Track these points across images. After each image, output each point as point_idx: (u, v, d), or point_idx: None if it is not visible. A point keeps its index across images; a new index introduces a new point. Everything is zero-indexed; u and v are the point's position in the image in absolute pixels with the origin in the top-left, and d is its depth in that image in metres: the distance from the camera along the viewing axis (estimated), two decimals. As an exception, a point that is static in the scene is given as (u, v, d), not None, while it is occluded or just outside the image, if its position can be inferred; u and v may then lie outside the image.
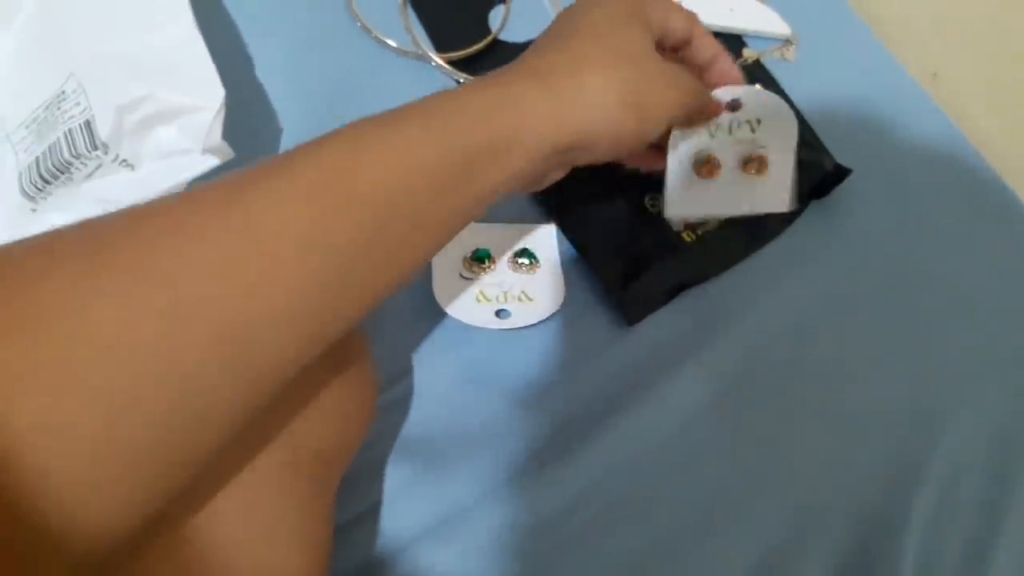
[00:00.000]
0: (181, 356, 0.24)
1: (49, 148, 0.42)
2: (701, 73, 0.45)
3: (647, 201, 0.53)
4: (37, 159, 0.43)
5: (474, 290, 0.49)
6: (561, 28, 0.40)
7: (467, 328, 0.47)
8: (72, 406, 0.23)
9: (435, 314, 0.48)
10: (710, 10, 0.59)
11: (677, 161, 0.47)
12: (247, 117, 0.44)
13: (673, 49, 0.44)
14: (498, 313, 0.48)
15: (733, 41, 0.60)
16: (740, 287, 0.52)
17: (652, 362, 0.49)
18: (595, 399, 0.48)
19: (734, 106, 0.46)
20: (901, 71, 0.63)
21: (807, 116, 0.58)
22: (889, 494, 0.48)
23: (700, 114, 0.44)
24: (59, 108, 0.43)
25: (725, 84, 0.45)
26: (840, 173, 0.54)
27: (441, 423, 0.46)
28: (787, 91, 0.58)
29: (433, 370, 0.47)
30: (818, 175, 0.54)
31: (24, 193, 0.43)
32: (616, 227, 0.52)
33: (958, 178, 0.59)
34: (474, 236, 0.49)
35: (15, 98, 0.45)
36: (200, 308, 0.25)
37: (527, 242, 0.50)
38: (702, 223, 0.52)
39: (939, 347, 0.53)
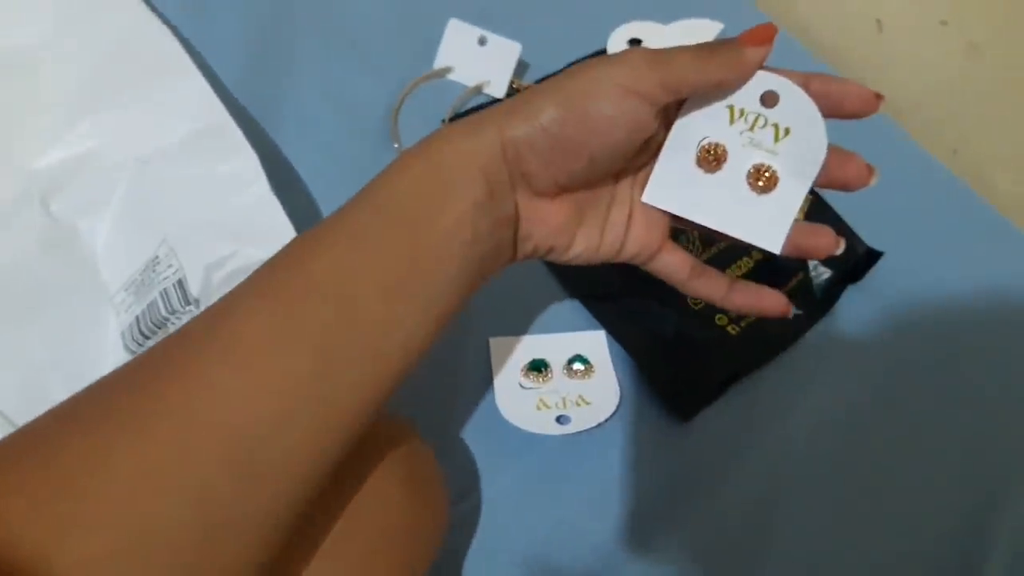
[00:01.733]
0: (193, 476, 0.27)
1: (148, 307, 0.48)
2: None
3: (690, 299, 0.56)
4: (137, 318, 0.48)
5: (534, 399, 0.51)
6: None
7: (530, 436, 0.50)
8: (108, 538, 0.26)
9: (500, 425, 0.50)
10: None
11: (681, 140, 0.39)
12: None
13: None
14: (559, 419, 0.51)
15: (755, 143, 0.64)
16: (788, 374, 0.54)
17: (709, 456, 0.51)
18: (658, 496, 0.50)
19: (768, 100, 0.38)
20: (921, 151, 0.66)
21: (834, 204, 0.61)
22: None
23: (704, 63, 0.34)
24: (154, 271, 0.49)
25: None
26: (872, 256, 0.56)
27: (511, 532, 0.48)
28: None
29: (500, 480, 0.49)
30: (851, 260, 0.57)
31: (127, 348, 0.48)
32: (663, 327, 0.55)
33: (988, 249, 0.61)
34: (529, 349, 0.53)
35: (115, 266, 0.51)
36: (202, 431, 0.28)
37: (580, 349, 0.53)
38: (740, 316, 0.54)
39: (989, 422, 0.54)
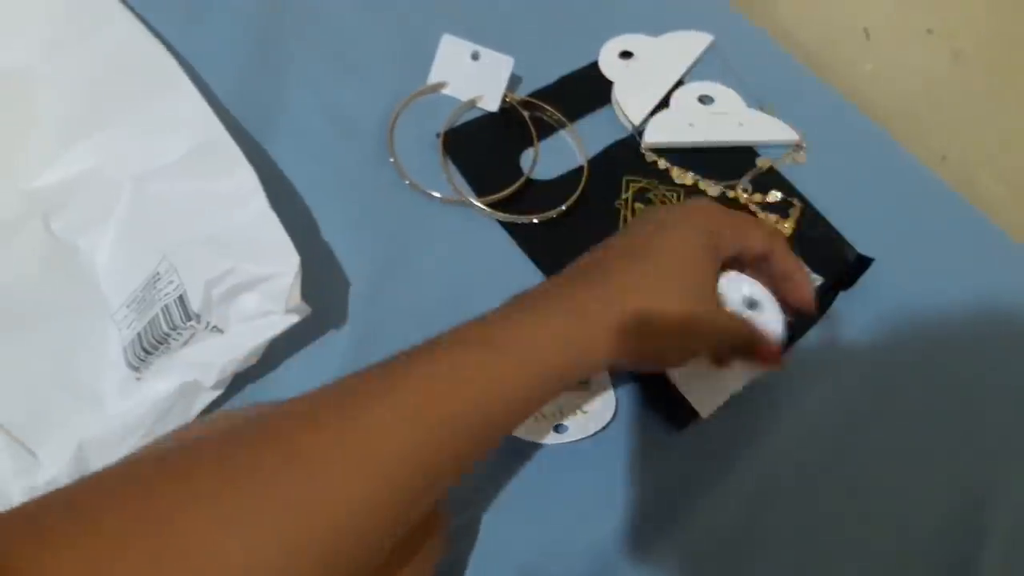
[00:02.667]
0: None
1: (149, 323, 0.48)
2: (777, 284, 0.47)
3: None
4: (139, 334, 0.49)
5: None
6: (636, 244, 0.43)
7: (528, 445, 0.51)
8: None
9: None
10: (721, 127, 0.65)
11: None
12: (318, 275, 0.49)
13: (752, 262, 0.46)
14: (556, 428, 0.51)
15: (746, 153, 0.65)
16: (782, 381, 0.55)
17: (705, 463, 0.52)
18: (655, 504, 0.50)
19: (751, 304, 0.48)
20: (910, 158, 0.67)
21: (824, 212, 0.62)
22: None
23: (745, 346, 0.46)
24: (155, 287, 0.49)
25: (793, 300, 0.47)
26: (863, 263, 0.57)
27: (511, 543, 0.48)
28: (802, 192, 0.62)
29: (500, 491, 0.50)
30: (842, 267, 0.57)
31: (129, 364, 0.49)
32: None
33: (977, 253, 0.61)
34: None
35: (116, 283, 0.51)
36: (316, 533, 0.28)
37: None
38: None
39: (981, 426, 0.54)
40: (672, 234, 0.42)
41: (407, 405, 0.32)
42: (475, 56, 0.64)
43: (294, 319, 0.47)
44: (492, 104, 0.64)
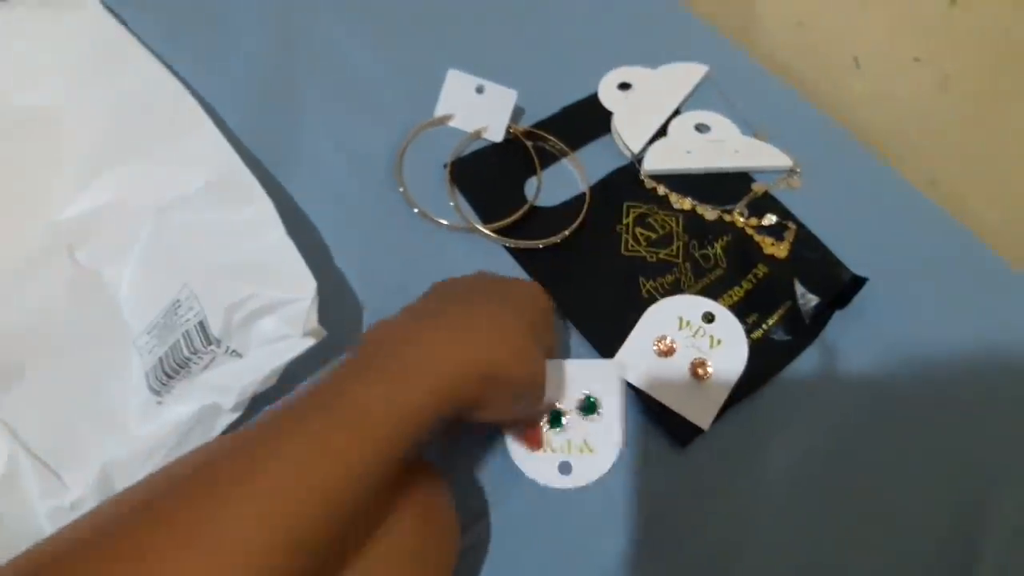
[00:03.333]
0: None
1: (170, 348, 0.50)
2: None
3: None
4: (160, 359, 0.51)
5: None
6: (445, 308, 0.44)
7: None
8: None
9: (504, 459, 0.53)
10: (718, 154, 0.67)
11: (645, 331, 0.57)
12: (332, 300, 0.51)
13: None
14: (561, 467, 0.52)
15: (742, 178, 0.67)
16: (780, 398, 0.56)
17: (706, 479, 0.53)
18: (659, 518, 0.52)
19: (709, 318, 0.57)
20: (900, 182, 0.69)
21: (819, 235, 0.64)
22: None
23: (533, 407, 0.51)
24: (176, 314, 0.51)
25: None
26: (857, 283, 0.59)
27: (519, 557, 0.50)
28: (797, 215, 0.65)
29: (508, 506, 0.51)
30: (836, 287, 0.59)
31: (151, 389, 0.51)
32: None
33: (967, 274, 0.63)
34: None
35: (138, 310, 0.53)
36: None
37: (591, 382, 0.54)
38: None
39: (974, 444, 0.56)
40: (515, 292, 0.47)
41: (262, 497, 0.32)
42: (480, 89, 0.67)
43: (311, 342, 0.48)
44: (497, 135, 0.67)
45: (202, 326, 0.49)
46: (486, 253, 0.61)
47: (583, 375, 0.54)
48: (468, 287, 0.48)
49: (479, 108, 0.67)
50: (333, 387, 0.37)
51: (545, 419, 0.53)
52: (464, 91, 0.67)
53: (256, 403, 0.50)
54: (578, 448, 0.52)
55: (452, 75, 0.67)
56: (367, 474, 0.35)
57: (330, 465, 0.34)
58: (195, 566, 0.29)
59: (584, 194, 0.64)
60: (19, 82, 0.60)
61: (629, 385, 0.55)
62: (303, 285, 0.49)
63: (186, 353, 0.49)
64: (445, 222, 0.62)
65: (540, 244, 0.61)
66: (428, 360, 0.39)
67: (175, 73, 0.60)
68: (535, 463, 0.52)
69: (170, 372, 0.50)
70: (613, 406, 0.53)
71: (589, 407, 0.53)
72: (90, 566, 0.30)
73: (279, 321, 0.49)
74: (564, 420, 0.53)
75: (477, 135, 0.67)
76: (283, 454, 0.33)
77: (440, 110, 0.68)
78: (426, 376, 0.38)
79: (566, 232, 0.62)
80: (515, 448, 0.52)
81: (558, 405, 0.53)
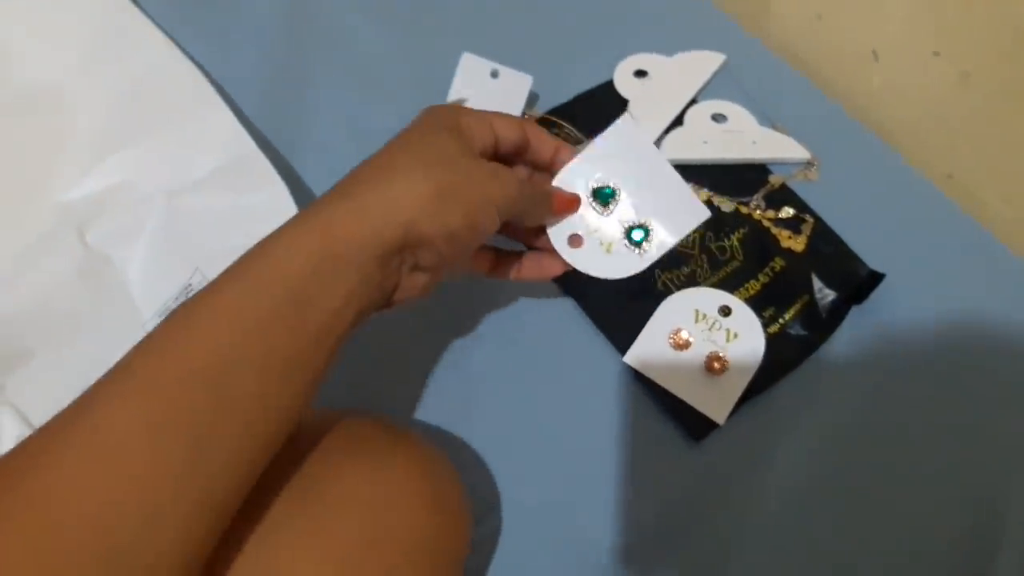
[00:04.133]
0: (54, 573, 0.26)
1: (182, 333, 0.49)
2: (550, 168, 0.47)
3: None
4: (172, 343, 0.50)
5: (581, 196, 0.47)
6: (373, 161, 0.40)
7: (549, 455, 0.52)
8: None
9: (517, 449, 0.52)
10: (734, 145, 0.67)
11: (660, 324, 0.56)
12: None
13: (515, 155, 0.45)
14: (571, 239, 0.47)
15: (759, 170, 0.66)
16: (796, 392, 0.56)
17: (722, 472, 0.53)
18: (674, 513, 0.51)
19: (725, 311, 0.56)
20: (917, 176, 0.68)
21: (836, 228, 0.63)
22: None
23: (536, 206, 0.44)
24: (187, 297, 0.50)
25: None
26: (875, 278, 0.58)
27: (532, 550, 0.50)
28: (814, 208, 0.64)
29: (518, 501, 0.51)
30: (854, 283, 0.59)
31: (161, 373, 0.50)
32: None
33: (982, 270, 0.63)
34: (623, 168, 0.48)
35: (148, 293, 0.53)
36: (70, 526, 0.27)
37: (665, 216, 0.47)
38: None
39: (988, 439, 0.56)
40: (407, 130, 0.41)
41: (138, 373, 0.31)
42: (494, 74, 0.66)
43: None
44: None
45: (214, 311, 0.49)
46: (495, 242, 0.60)
47: (664, 191, 0.47)
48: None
49: (493, 93, 0.66)
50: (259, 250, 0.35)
51: (595, 179, 0.47)
52: (478, 76, 0.66)
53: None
54: (599, 240, 0.47)
55: (466, 59, 0.66)
56: (258, 338, 0.32)
57: (198, 338, 0.31)
58: (64, 459, 0.28)
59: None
60: (27, 59, 0.59)
61: (642, 378, 0.55)
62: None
63: (198, 338, 0.49)
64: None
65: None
66: (333, 205, 0.36)
67: (186, 54, 0.59)
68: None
69: (181, 357, 0.49)
70: (660, 248, 0.47)
71: (634, 239, 0.47)
72: None
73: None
74: (613, 201, 0.47)
75: (491, 121, 0.66)
76: (153, 337, 0.32)
77: (453, 94, 0.67)
78: (336, 216, 0.36)
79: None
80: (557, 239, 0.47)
81: (617, 186, 0.47)
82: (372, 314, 0.39)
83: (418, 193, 0.36)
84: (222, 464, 0.31)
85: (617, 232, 0.47)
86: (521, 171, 0.47)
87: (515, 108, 0.65)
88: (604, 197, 0.47)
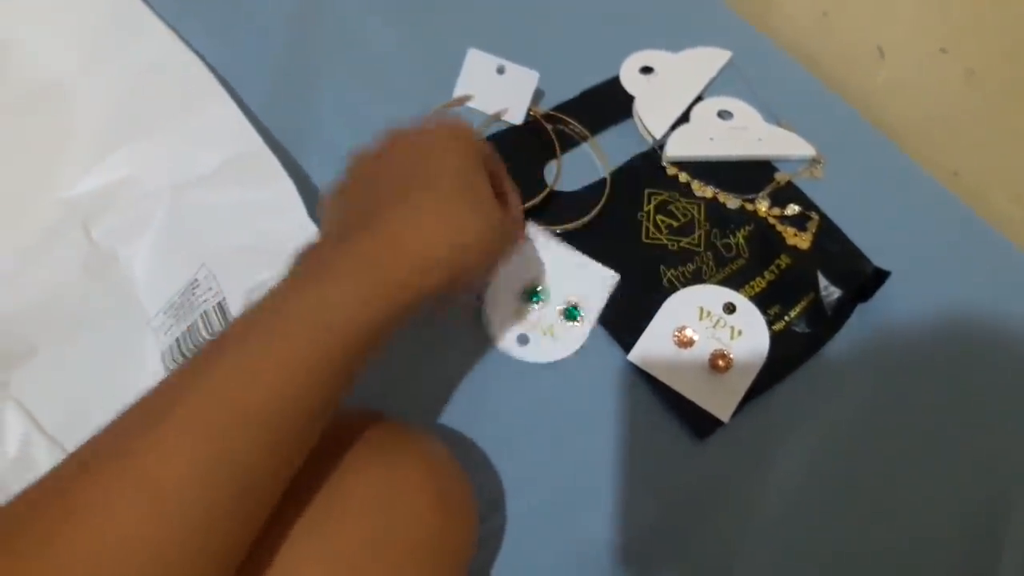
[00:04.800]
0: None
1: (188, 329, 0.49)
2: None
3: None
4: (178, 339, 0.50)
5: (515, 303, 0.57)
6: (404, 178, 0.41)
7: (556, 451, 0.52)
8: None
9: (521, 447, 0.52)
10: (740, 142, 0.66)
11: (664, 321, 0.56)
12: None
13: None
14: (520, 337, 0.55)
15: (765, 167, 0.66)
16: (801, 389, 0.56)
17: (727, 471, 0.53)
18: (678, 511, 0.51)
19: (730, 309, 0.57)
20: (923, 174, 0.68)
21: (841, 226, 0.63)
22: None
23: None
24: (193, 294, 0.50)
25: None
26: (880, 276, 0.58)
27: (537, 548, 0.50)
28: (820, 206, 0.64)
29: (526, 497, 0.51)
30: (859, 280, 0.59)
31: (167, 369, 0.50)
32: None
33: (988, 267, 0.63)
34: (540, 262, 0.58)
35: (154, 289, 0.53)
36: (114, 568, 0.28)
37: (582, 282, 0.57)
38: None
39: (994, 436, 0.56)
40: (445, 158, 0.41)
41: (197, 417, 0.30)
42: (500, 70, 0.65)
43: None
44: (517, 117, 0.66)
45: (221, 307, 0.49)
46: (505, 238, 0.60)
47: (575, 271, 0.58)
48: (390, 165, 0.43)
49: (499, 89, 0.66)
50: (278, 295, 0.35)
51: (522, 286, 0.56)
52: (484, 71, 0.66)
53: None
54: (543, 329, 0.56)
55: (472, 54, 0.66)
56: (315, 385, 0.33)
57: (262, 387, 0.32)
58: (115, 509, 0.28)
59: (605, 180, 0.63)
60: (31, 54, 0.59)
61: (648, 376, 0.55)
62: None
63: (204, 334, 0.49)
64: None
65: (559, 230, 0.60)
66: (391, 247, 0.37)
67: (191, 48, 0.59)
68: (500, 326, 0.55)
69: (188, 353, 0.49)
70: (593, 313, 0.57)
71: (572, 315, 0.56)
72: (21, 511, 0.29)
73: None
74: (539, 299, 0.56)
75: (497, 117, 0.66)
76: (204, 381, 0.31)
77: (459, 91, 0.67)
78: (399, 259, 0.36)
79: (586, 218, 0.61)
80: (490, 305, 0.56)
81: (540, 284, 0.57)
82: None
83: (470, 245, 0.39)
84: (263, 499, 0.32)
85: (555, 316, 0.56)
86: None
87: (521, 104, 0.65)
88: (535, 295, 0.56)
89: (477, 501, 0.43)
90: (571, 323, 0.56)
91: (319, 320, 0.34)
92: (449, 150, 0.42)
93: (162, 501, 0.29)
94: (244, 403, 0.31)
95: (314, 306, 0.34)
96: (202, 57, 0.59)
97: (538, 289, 0.57)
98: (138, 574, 0.28)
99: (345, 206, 0.42)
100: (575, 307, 0.57)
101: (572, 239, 0.60)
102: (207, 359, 0.33)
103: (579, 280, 0.57)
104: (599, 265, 0.58)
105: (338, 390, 0.34)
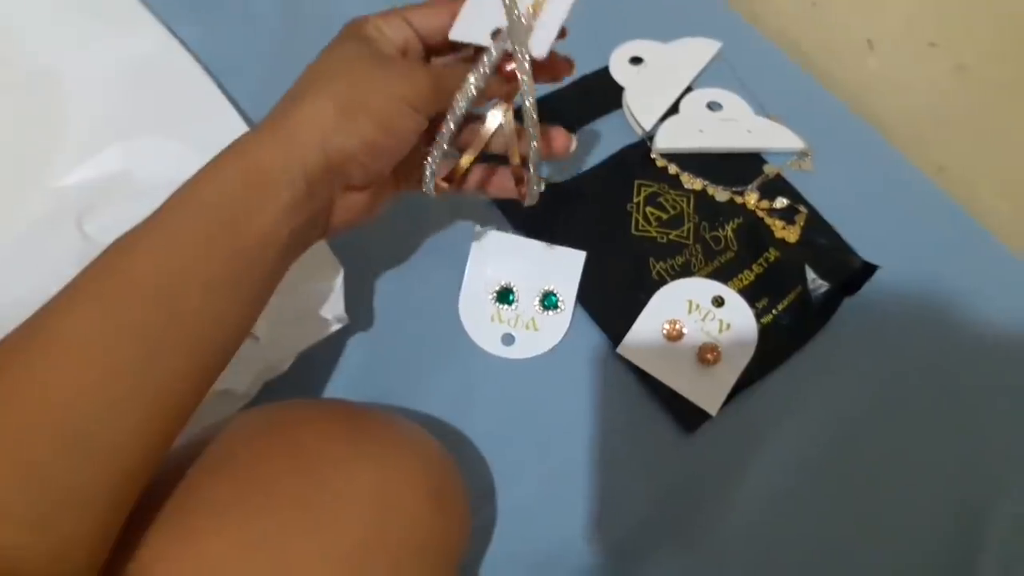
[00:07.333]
0: (23, 456, 0.30)
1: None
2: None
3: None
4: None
5: (491, 308, 0.58)
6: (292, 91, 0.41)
7: (546, 445, 0.53)
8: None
9: (510, 440, 0.53)
10: (730, 134, 0.67)
11: (653, 314, 0.57)
12: (354, 286, 0.51)
13: (449, 49, 0.45)
14: (504, 337, 0.57)
15: (754, 159, 0.67)
16: (789, 383, 0.57)
17: (713, 464, 0.54)
18: (666, 504, 0.52)
19: (718, 302, 0.57)
20: (910, 168, 0.69)
21: (829, 219, 0.63)
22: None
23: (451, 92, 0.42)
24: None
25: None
26: (868, 270, 0.59)
27: (526, 541, 0.50)
28: (808, 199, 0.64)
29: (516, 490, 0.52)
30: (847, 274, 0.59)
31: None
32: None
33: (973, 261, 0.63)
34: (506, 262, 0.58)
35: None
36: (31, 415, 0.30)
37: (554, 271, 0.58)
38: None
39: (980, 432, 0.56)
40: (318, 57, 0.42)
41: (85, 284, 0.34)
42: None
43: (336, 326, 0.48)
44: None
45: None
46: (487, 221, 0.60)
47: (542, 258, 0.58)
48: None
49: (489, 80, 0.65)
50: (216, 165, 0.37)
51: (494, 291, 0.57)
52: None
53: (267, 388, 0.50)
54: (524, 324, 0.57)
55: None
56: (201, 258, 0.35)
57: (147, 258, 0.34)
58: (35, 368, 0.31)
59: (593, 170, 0.64)
60: (20, 41, 0.58)
61: (636, 369, 0.55)
62: (330, 271, 0.48)
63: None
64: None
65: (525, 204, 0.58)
66: (259, 133, 0.38)
67: (181, 42, 0.59)
68: (481, 331, 0.56)
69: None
70: (571, 296, 0.57)
71: (550, 303, 0.57)
72: None
73: (304, 302, 0.48)
74: (514, 297, 0.57)
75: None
76: (103, 256, 0.35)
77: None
78: (263, 143, 0.37)
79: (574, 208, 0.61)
80: (466, 315, 0.57)
81: (510, 283, 0.58)
82: (315, 237, 0.41)
83: (323, 111, 0.38)
84: (175, 371, 0.34)
85: (534, 309, 0.57)
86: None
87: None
88: (508, 294, 0.58)
89: (470, 495, 0.44)
90: (551, 312, 0.57)
91: (189, 200, 0.36)
92: (335, 42, 0.42)
93: (67, 354, 0.31)
94: (132, 276, 0.34)
95: (184, 191, 0.36)
96: (194, 53, 0.59)
97: (511, 289, 0.58)
98: (51, 410, 0.30)
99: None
100: (552, 293, 0.58)
101: (563, 234, 0.60)
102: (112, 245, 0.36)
103: (548, 266, 0.58)
104: (564, 248, 0.58)
105: (236, 270, 0.36)
